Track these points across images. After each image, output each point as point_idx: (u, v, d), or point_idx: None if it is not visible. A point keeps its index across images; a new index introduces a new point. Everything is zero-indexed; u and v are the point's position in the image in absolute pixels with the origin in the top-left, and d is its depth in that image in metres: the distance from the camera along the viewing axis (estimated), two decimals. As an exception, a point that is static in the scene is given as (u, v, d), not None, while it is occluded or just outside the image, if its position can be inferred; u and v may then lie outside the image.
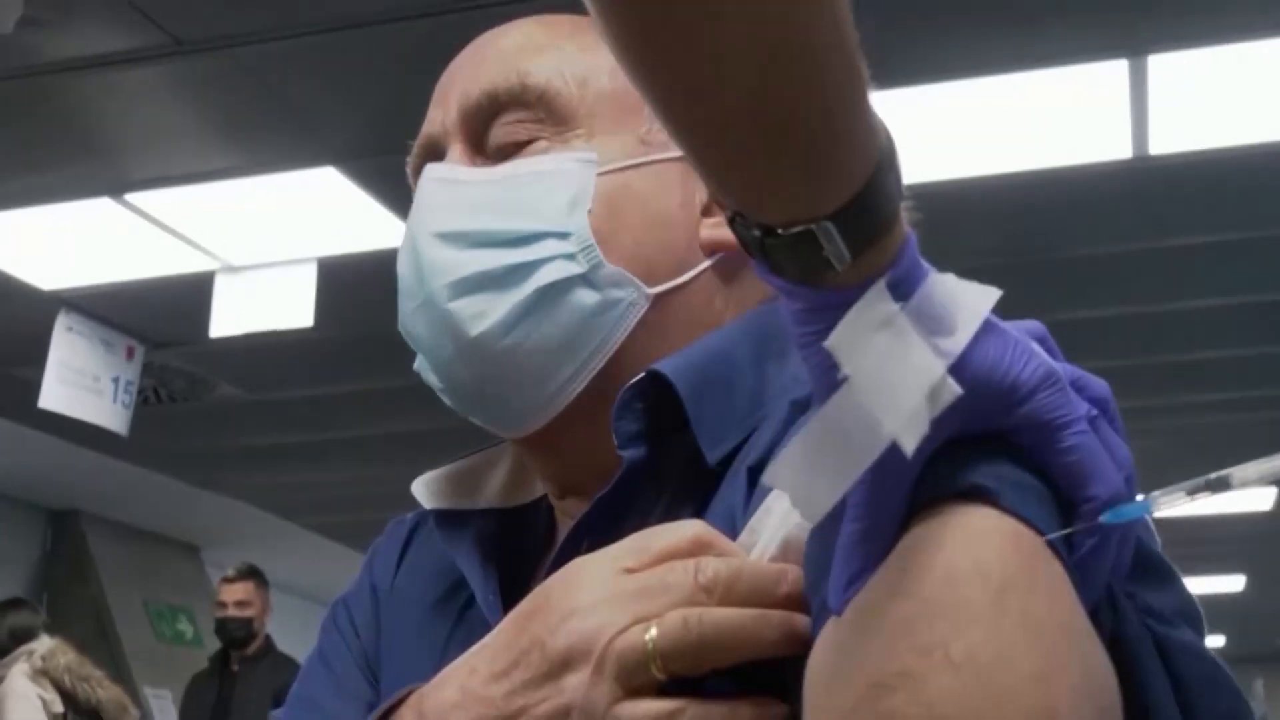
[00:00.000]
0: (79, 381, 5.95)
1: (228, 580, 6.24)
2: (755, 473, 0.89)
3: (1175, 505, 0.65)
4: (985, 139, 4.68)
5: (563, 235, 0.96)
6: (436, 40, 3.84)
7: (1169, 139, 4.66)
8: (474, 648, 0.87)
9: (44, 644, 5.55)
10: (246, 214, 5.15)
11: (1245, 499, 9.80)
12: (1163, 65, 4.22)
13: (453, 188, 1.00)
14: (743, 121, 0.62)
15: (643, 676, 0.78)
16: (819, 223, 0.63)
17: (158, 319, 6.18)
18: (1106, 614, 0.70)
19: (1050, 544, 0.66)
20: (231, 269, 5.59)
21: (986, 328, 0.67)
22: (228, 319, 5.57)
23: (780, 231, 0.64)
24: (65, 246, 5.45)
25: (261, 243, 5.40)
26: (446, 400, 1.03)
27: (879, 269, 0.65)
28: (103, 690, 5.10)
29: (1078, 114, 4.53)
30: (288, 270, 5.50)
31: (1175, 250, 5.55)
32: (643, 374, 0.93)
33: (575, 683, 0.79)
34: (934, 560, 0.65)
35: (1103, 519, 0.65)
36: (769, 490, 0.83)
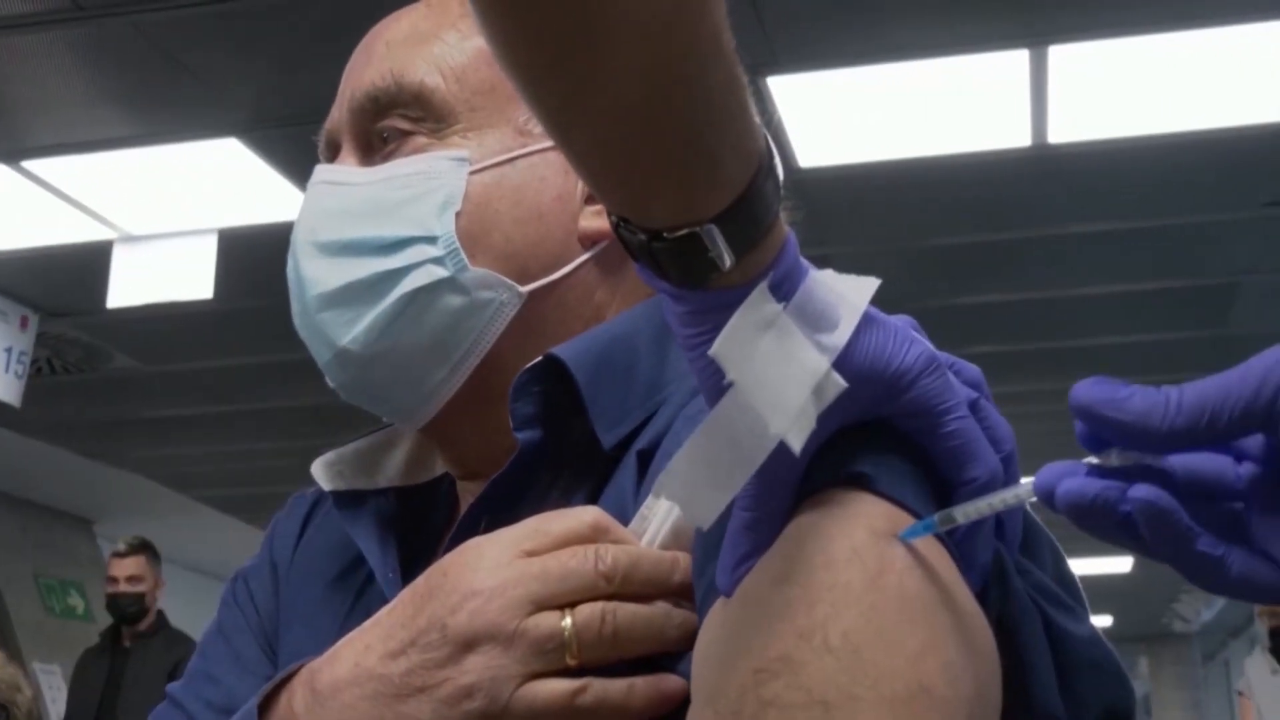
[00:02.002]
0: (-29, 351, 5.85)
1: (119, 555, 6.14)
2: (645, 457, 0.91)
3: (956, 522, 0.67)
4: (885, 125, 4.72)
5: (431, 240, 0.97)
6: (341, 11, 3.82)
7: (1068, 128, 4.73)
8: (367, 623, 0.88)
9: None
10: (146, 183, 5.08)
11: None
12: (1063, 56, 4.28)
13: (335, 191, 1.01)
14: (627, 129, 0.63)
15: (554, 661, 0.81)
16: (703, 226, 0.65)
17: (54, 288, 6.09)
18: (996, 592, 0.73)
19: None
20: (130, 239, 5.51)
21: (867, 319, 0.69)
22: (126, 289, 5.49)
23: (665, 235, 0.65)
24: (-41, 214, 5.35)
25: (161, 213, 5.33)
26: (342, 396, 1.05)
27: (761, 269, 0.67)
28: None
29: (978, 102, 4.59)
30: (188, 241, 5.43)
31: (1070, 238, 5.64)
32: (540, 358, 0.94)
33: (479, 663, 0.81)
34: (813, 547, 0.67)
35: (899, 536, 0.67)
36: (660, 472, 0.85)
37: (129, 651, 6.03)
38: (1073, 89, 4.48)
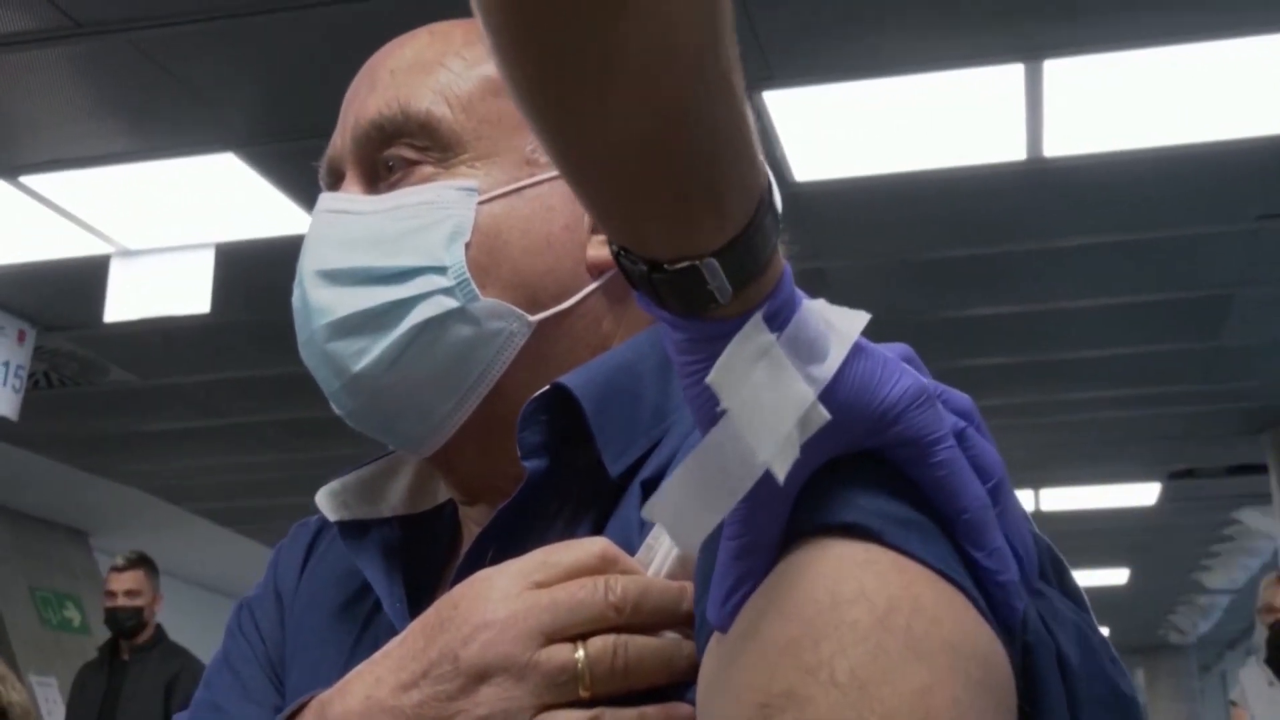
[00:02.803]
0: (-32, 365, 5.86)
1: (117, 569, 6.13)
2: (649, 487, 0.91)
3: None
4: (881, 139, 4.73)
5: (440, 270, 0.97)
6: (337, 27, 3.83)
7: (1063, 142, 4.74)
8: (376, 655, 0.88)
9: None
10: (144, 198, 5.09)
11: (1130, 494, 10.00)
12: (1058, 70, 4.30)
13: (341, 220, 1.01)
14: (633, 164, 0.63)
15: (567, 693, 0.82)
16: (703, 259, 0.65)
17: (51, 303, 6.09)
18: (1017, 624, 0.73)
19: (942, 572, 0.69)
20: (127, 253, 5.51)
21: (856, 351, 0.70)
22: (123, 304, 5.49)
23: (665, 267, 0.66)
24: (-43, 228, 5.35)
25: (159, 227, 5.34)
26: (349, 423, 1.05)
27: (758, 301, 0.67)
28: (14, 693, 5.03)
29: (974, 116, 4.60)
30: (185, 256, 5.43)
31: (1066, 251, 5.65)
32: (547, 386, 0.94)
33: (492, 695, 0.81)
34: (819, 586, 0.67)
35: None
36: None
37: (127, 665, 6.03)
38: (1068, 103, 4.50)
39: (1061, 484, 9.76)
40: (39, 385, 6.96)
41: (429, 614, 0.87)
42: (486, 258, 0.98)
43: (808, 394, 0.67)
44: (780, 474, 0.67)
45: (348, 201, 1.02)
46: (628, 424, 0.95)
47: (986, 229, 5.44)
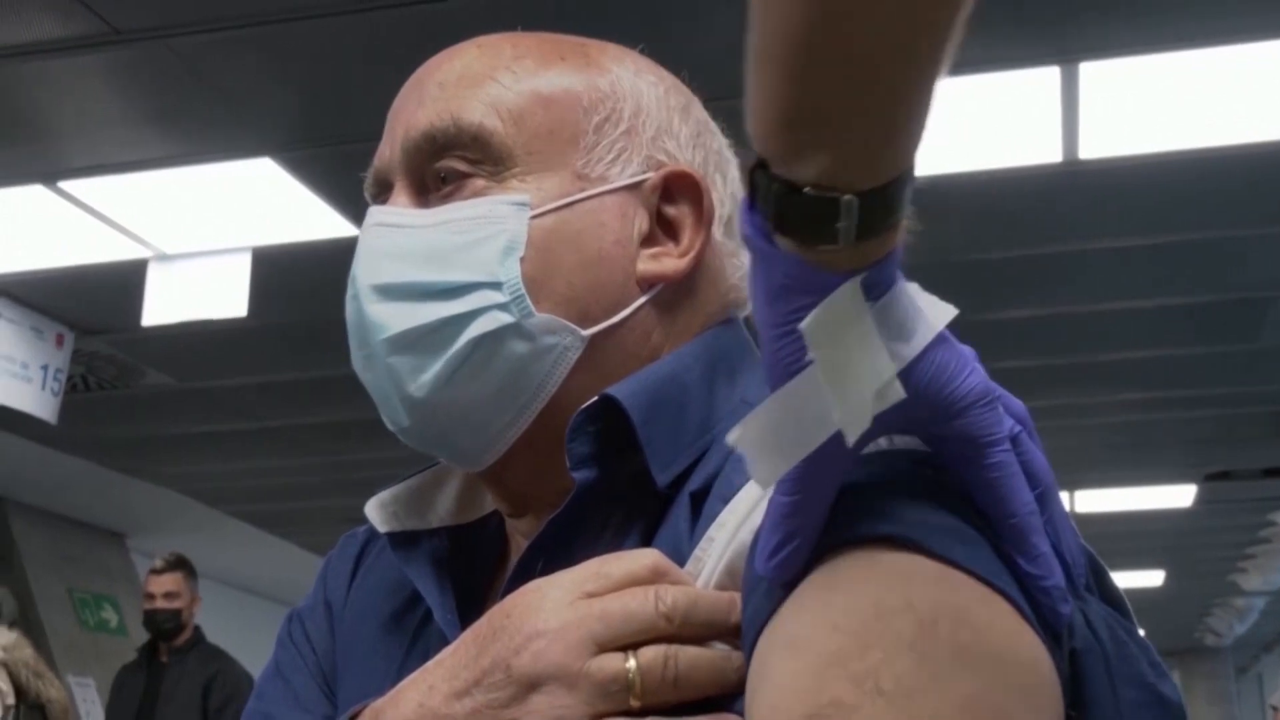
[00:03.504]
0: (7, 368, 5.92)
1: (156, 571, 6.18)
2: (697, 499, 0.92)
3: None
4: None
5: (495, 285, 0.96)
6: (373, 33, 3.85)
7: (1099, 144, 4.72)
8: (429, 664, 0.89)
9: (5, 636, 5.46)
10: (181, 203, 5.11)
11: (1166, 496, 9.96)
12: (1094, 72, 4.28)
13: (393, 233, 1.00)
14: (848, 74, 0.62)
15: (619, 702, 0.82)
16: (845, 196, 0.64)
17: (89, 307, 6.13)
18: (1064, 630, 0.74)
19: (987, 580, 0.70)
20: (165, 257, 5.55)
21: (939, 340, 0.71)
22: (161, 308, 5.52)
23: (805, 191, 0.65)
24: (-3, 232, 5.40)
25: (196, 232, 5.36)
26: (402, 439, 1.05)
27: (866, 264, 0.68)
28: (53, 690, 5.08)
29: (1010, 118, 4.59)
30: (222, 259, 5.46)
31: (1101, 253, 5.63)
32: (596, 398, 0.95)
33: (544, 704, 0.82)
34: (864, 597, 0.69)
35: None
36: (713, 513, 0.88)
37: (165, 667, 6.07)
38: (1104, 105, 4.48)
39: (1097, 486, 9.72)
40: (77, 388, 7.01)
41: (481, 623, 0.88)
42: (540, 272, 0.97)
43: (890, 367, 0.68)
44: (850, 438, 0.68)
45: (399, 215, 1.01)
46: (674, 434, 0.96)
47: (1022, 231, 5.42)
